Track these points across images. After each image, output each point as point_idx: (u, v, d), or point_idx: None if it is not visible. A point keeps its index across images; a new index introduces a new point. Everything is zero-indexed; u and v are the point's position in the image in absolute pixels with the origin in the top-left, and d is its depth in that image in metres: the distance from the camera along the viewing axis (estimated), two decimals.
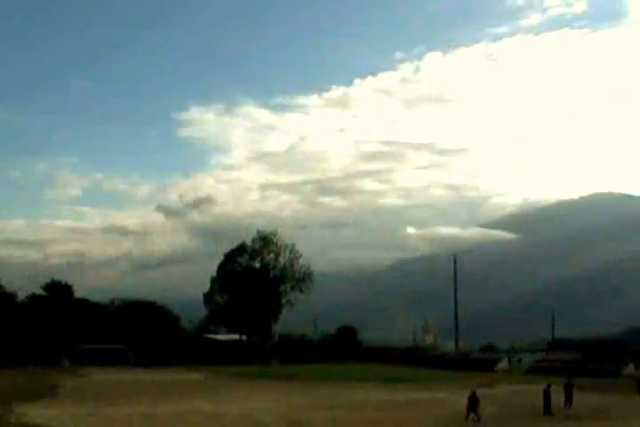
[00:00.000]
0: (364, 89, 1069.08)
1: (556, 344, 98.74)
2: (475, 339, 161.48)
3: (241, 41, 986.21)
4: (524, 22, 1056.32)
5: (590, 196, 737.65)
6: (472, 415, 38.50)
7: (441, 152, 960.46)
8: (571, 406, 44.48)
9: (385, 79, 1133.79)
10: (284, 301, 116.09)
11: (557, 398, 44.18)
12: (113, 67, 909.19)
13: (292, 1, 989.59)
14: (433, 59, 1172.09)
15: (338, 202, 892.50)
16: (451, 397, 52.47)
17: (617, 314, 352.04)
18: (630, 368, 78.02)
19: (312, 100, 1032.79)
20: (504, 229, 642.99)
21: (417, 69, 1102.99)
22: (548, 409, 42.16)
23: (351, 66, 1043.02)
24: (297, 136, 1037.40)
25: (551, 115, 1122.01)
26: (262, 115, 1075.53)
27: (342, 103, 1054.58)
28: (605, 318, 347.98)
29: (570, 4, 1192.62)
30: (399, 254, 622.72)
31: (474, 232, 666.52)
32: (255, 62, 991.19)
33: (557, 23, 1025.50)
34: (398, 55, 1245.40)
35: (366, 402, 50.27)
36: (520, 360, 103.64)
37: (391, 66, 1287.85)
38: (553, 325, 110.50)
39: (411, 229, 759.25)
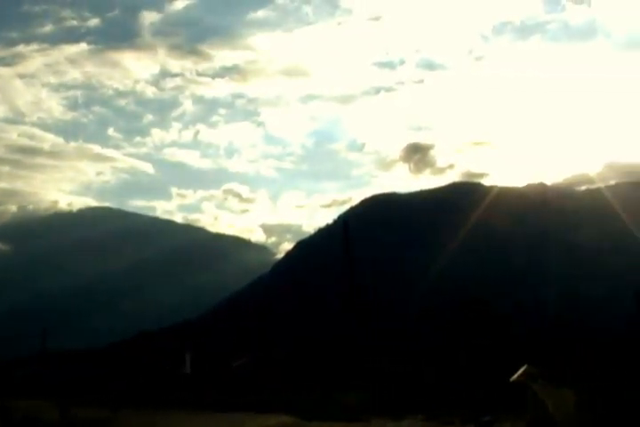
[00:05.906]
0: None
1: (49, 357, 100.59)
2: None
3: None
4: (38, 30, 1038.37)
5: (87, 208, 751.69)
6: None
7: None
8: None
9: None
10: None
11: None
12: None
13: None
14: None
15: None
16: None
17: (114, 324, 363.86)
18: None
19: None
20: None
21: None
22: None
23: None
24: None
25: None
26: None
27: None
28: (104, 327, 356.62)
29: (85, 19, 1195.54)
30: None
31: None
32: None
33: (73, 35, 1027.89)
34: None
35: None
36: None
37: None
38: (44, 337, 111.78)
39: None
